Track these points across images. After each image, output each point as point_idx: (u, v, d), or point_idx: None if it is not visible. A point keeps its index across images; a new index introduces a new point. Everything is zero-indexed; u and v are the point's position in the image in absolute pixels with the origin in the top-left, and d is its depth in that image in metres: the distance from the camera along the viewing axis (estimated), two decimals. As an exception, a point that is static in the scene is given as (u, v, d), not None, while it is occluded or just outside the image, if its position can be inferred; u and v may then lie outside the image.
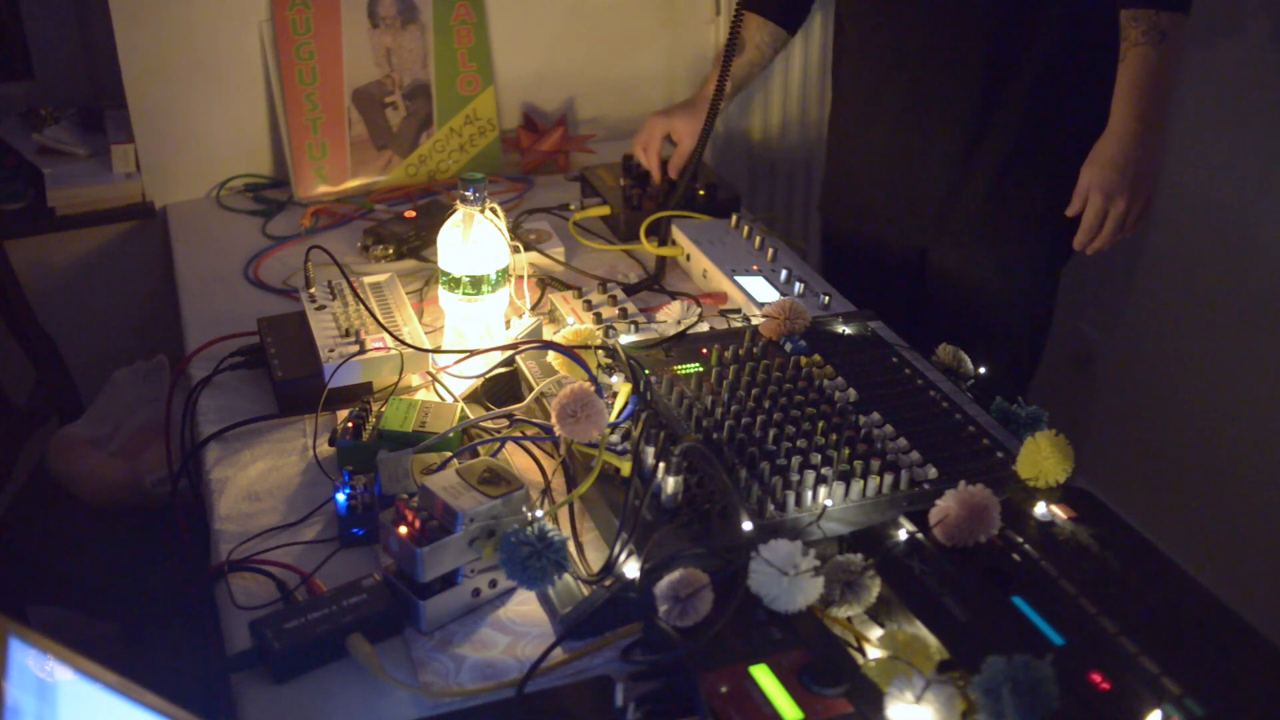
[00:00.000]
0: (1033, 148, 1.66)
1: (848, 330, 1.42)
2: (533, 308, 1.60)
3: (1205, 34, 1.99)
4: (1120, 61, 1.52)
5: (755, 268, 1.62)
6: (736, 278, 1.59)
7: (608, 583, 1.03)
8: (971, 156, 1.68)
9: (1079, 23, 1.59)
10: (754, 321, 1.43)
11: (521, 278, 1.54)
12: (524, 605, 1.10)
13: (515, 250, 1.46)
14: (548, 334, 1.43)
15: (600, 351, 1.30)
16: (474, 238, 1.38)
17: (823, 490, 1.11)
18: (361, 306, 1.45)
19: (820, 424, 1.21)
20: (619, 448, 1.15)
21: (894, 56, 1.69)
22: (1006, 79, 1.62)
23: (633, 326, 1.44)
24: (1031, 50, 1.60)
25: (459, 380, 1.38)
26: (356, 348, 1.37)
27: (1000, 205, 1.70)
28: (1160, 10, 1.48)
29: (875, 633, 1.02)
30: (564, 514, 1.17)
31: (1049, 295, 1.82)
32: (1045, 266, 1.78)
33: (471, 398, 1.37)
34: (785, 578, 0.97)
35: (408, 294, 1.53)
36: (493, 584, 1.09)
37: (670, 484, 1.08)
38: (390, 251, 1.73)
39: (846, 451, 1.17)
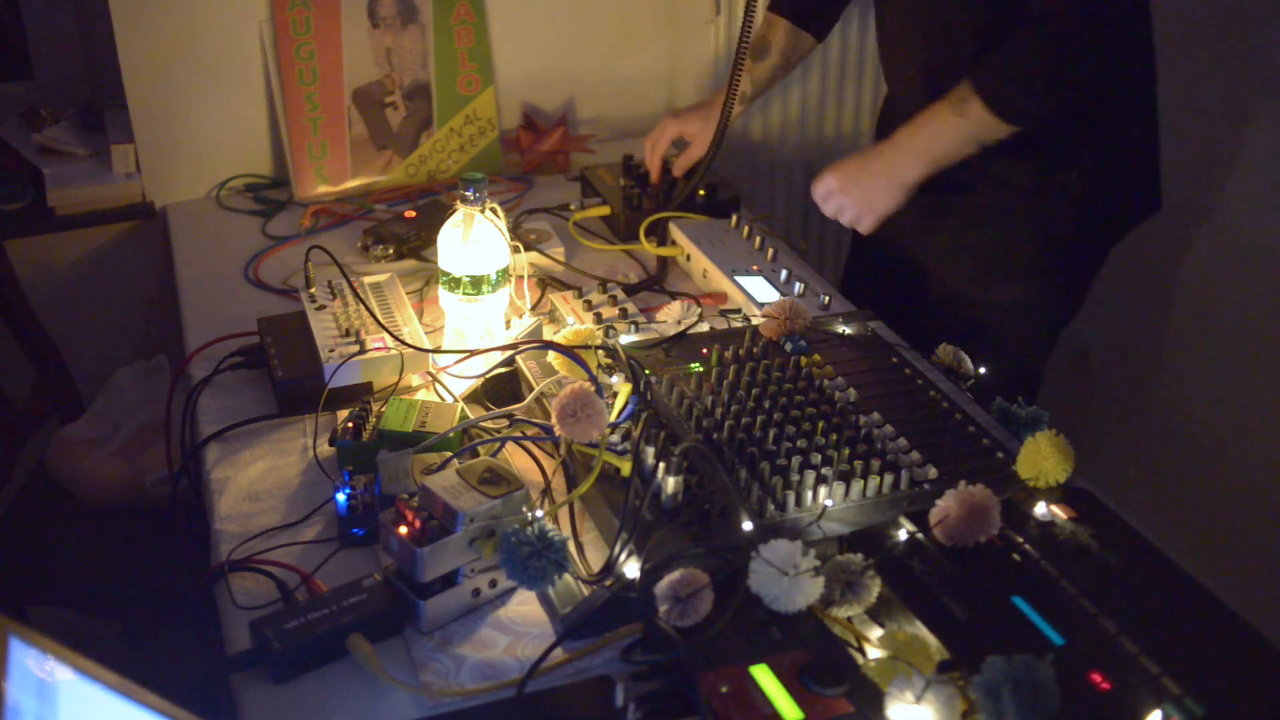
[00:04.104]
0: (1032, 200, 1.61)
1: (848, 330, 1.42)
2: (533, 308, 1.60)
3: (1197, 34, 1.99)
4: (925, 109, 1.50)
5: (755, 268, 1.62)
6: (736, 278, 1.59)
7: (608, 583, 1.03)
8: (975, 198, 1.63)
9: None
10: (754, 321, 1.43)
11: (521, 278, 1.54)
12: (524, 605, 1.10)
13: (515, 250, 1.46)
14: (548, 334, 1.43)
15: (600, 351, 1.30)
16: (474, 238, 1.38)
17: (823, 490, 1.11)
18: (361, 306, 1.45)
19: (820, 424, 1.21)
20: (619, 448, 1.15)
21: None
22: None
23: (633, 326, 1.44)
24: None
25: (459, 380, 1.38)
26: (356, 348, 1.37)
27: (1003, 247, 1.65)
28: (978, 97, 1.43)
29: (875, 633, 1.02)
30: (564, 514, 1.17)
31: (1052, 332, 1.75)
32: (1046, 317, 1.71)
33: (471, 398, 1.37)
34: (785, 578, 0.97)
35: (408, 294, 1.53)
36: (493, 584, 1.09)
37: (670, 484, 1.08)
38: (390, 251, 1.73)
39: (846, 451, 1.17)
